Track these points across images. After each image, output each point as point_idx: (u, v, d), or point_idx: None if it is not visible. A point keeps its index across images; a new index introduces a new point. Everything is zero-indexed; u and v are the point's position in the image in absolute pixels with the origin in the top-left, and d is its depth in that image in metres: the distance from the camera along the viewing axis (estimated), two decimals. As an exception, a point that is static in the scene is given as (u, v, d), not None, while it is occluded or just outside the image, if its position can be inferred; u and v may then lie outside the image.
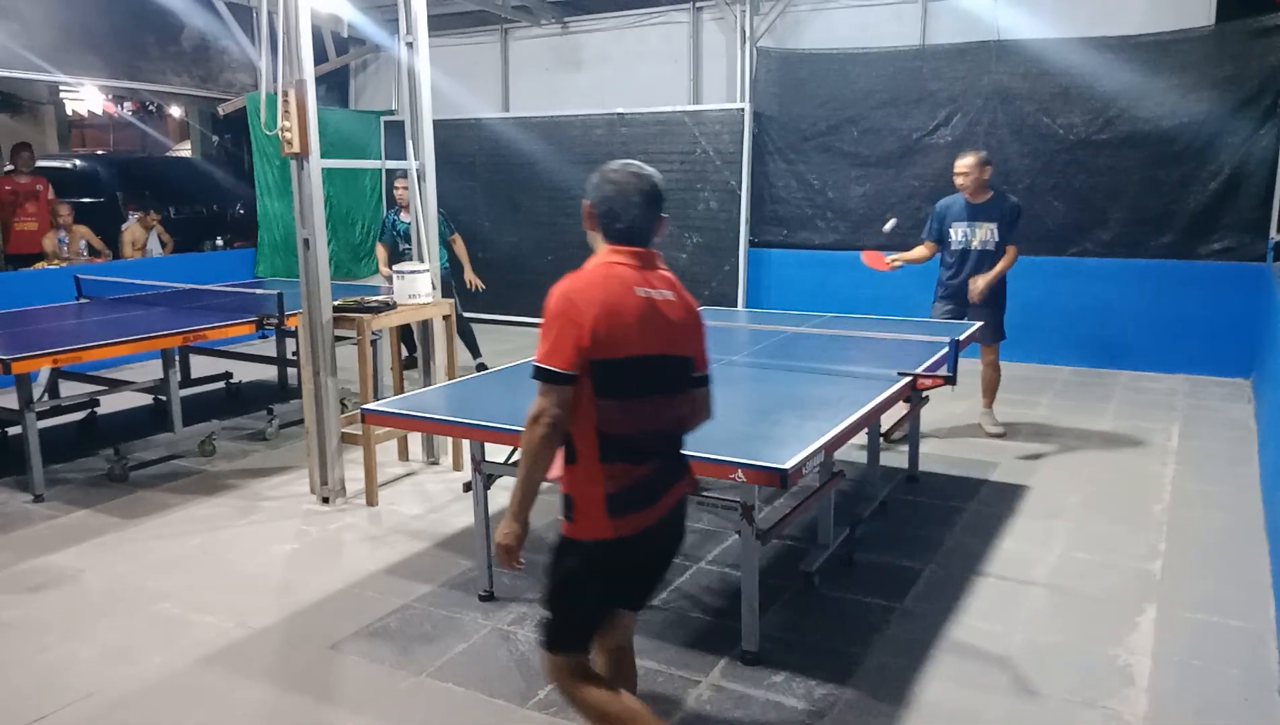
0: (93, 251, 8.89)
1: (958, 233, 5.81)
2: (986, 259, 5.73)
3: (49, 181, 9.06)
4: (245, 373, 7.45)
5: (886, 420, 4.96)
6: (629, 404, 2.31)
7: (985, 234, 5.74)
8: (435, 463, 5.61)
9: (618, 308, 2.26)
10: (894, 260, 5.85)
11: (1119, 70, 7.46)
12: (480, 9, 9.75)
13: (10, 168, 9.00)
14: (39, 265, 8.39)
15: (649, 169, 2.41)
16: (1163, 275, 7.60)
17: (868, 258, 6.00)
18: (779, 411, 3.59)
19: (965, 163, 5.73)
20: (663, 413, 2.39)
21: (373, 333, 5.24)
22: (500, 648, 3.44)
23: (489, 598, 3.80)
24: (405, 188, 6.60)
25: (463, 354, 6.49)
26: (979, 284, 5.67)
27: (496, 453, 3.72)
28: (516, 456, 3.73)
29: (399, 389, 5.73)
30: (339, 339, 5.05)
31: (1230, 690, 3.12)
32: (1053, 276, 7.79)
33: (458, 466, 5.46)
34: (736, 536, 3.97)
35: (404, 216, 7.23)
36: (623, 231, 2.36)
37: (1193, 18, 7.36)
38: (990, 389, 6.07)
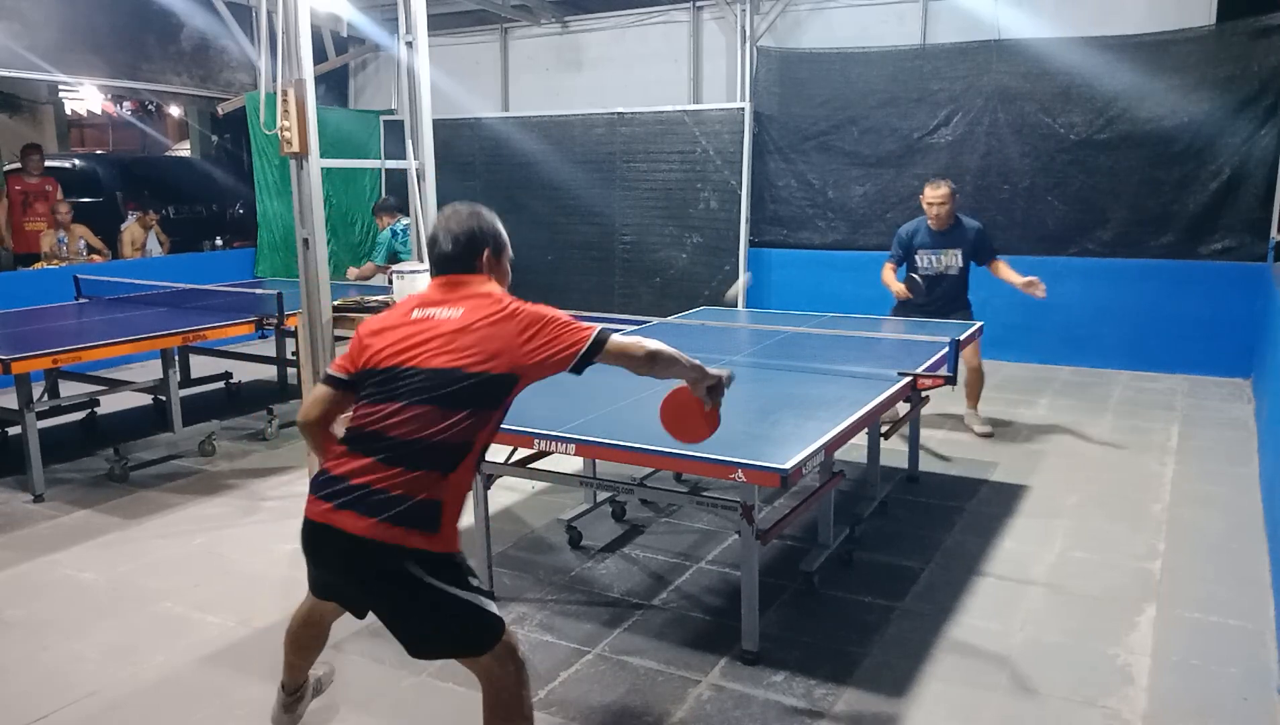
0: (91, 251, 8.90)
1: (924, 260, 5.92)
2: (952, 282, 5.88)
3: (57, 182, 9.12)
4: (245, 373, 7.45)
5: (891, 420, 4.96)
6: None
7: (950, 260, 5.88)
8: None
9: None
10: (901, 291, 5.83)
11: (1119, 70, 7.46)
12: (480, 8, 9.75)
13: (18, 167, 9.03)
14: (38, 265, 8.40)
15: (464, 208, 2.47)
16: (1163, 275, 7.60)
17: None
18: (779, 411, 3.60)
19: (941, 193, 5.74)
20: None
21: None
22: (501, 647, 3.43)
23: (489, 598, 3.80)
24: None
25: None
26: (1038, 291, 5.72)
27: (497, 453, 3.72)
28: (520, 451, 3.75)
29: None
30: (339, 339, 5.04)
31: (1229, 689, 3.13)
32: (1053, 276, 7.71)
33: (458, 466, 5.45)
34: (736, 536, 3.98)
35: (403, 221, 7.23)
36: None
37: (1193, 17, 7.36)
38: (974, 393, 6.06)
